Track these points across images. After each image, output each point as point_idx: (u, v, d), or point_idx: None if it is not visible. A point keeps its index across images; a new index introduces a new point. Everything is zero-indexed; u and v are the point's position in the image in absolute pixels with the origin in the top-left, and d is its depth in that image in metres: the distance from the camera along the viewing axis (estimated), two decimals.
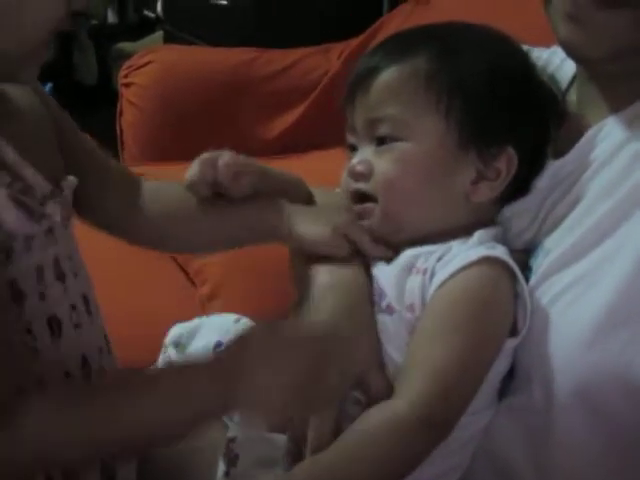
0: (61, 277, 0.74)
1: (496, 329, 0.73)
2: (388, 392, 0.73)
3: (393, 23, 1.90)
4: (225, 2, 2.24)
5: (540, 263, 0.77)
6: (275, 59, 1.91)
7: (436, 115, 0.76)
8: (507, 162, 0.77)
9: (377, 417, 0.71)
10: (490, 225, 0.79)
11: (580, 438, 0.73)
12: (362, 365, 0.73)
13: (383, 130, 0.77)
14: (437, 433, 0.71)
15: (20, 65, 0.69)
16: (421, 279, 0.74)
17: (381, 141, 0.78)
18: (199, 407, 0.64)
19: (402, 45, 0.80)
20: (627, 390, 0.70)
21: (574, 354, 0.72)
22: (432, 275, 0.74)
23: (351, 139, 0.81)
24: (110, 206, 0.85)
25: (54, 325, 0.73)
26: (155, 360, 0.98)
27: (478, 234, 0.76)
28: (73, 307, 0.75)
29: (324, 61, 1.92)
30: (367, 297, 0.76)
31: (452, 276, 0.72)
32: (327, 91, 1.88)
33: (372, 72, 0.78)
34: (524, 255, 0.79)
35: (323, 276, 0.78)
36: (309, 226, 0.80)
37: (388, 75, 0.77)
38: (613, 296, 0.71)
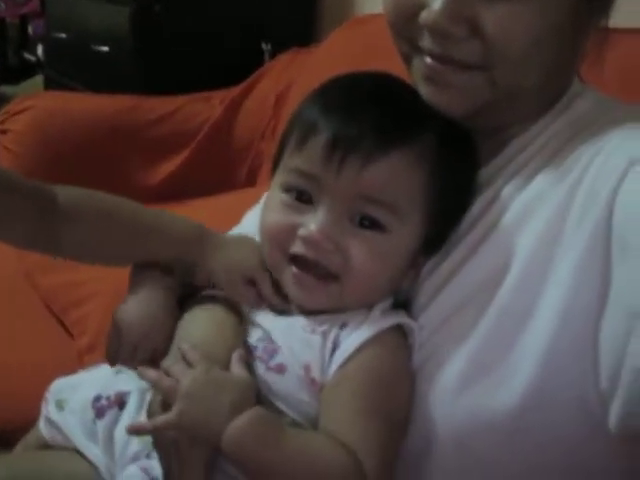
0: None
1: (409, 391, 0.75)
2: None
3: (274, 71, 1.94)
4: (106, 48, 2.23)
5: (417, 316, 0.78)
6: (157, 106, 1.92)
7: (422, 217, 0.76)
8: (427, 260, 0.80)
9: (331, 458, 0.69)
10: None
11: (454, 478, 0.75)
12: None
13: (374, 212, 0.75)
14: None
15: None
16: (321, 341, 0.74)
17: (364, 220, 0.75)
18: None
19: (399, 118, 0.76)
20: (495, 434, 0.72)
21: (446, 401, 0.73)
22: (336, 342, 0.74)
23: (302, 184, 0.76)
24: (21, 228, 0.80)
25: None
26: (36, 415, 0.96)
27: (378, 308, 0.77)
28: None
29: (206, 108, 1.93)
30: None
31: (363, 346, 0.73)
32: (210, 137, 1.90)
33: (374, 146, 0.74)
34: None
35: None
36: (222, 265, 0.81)
37: (395, 160, 0.74)
38: (476, 346, 0.73)
